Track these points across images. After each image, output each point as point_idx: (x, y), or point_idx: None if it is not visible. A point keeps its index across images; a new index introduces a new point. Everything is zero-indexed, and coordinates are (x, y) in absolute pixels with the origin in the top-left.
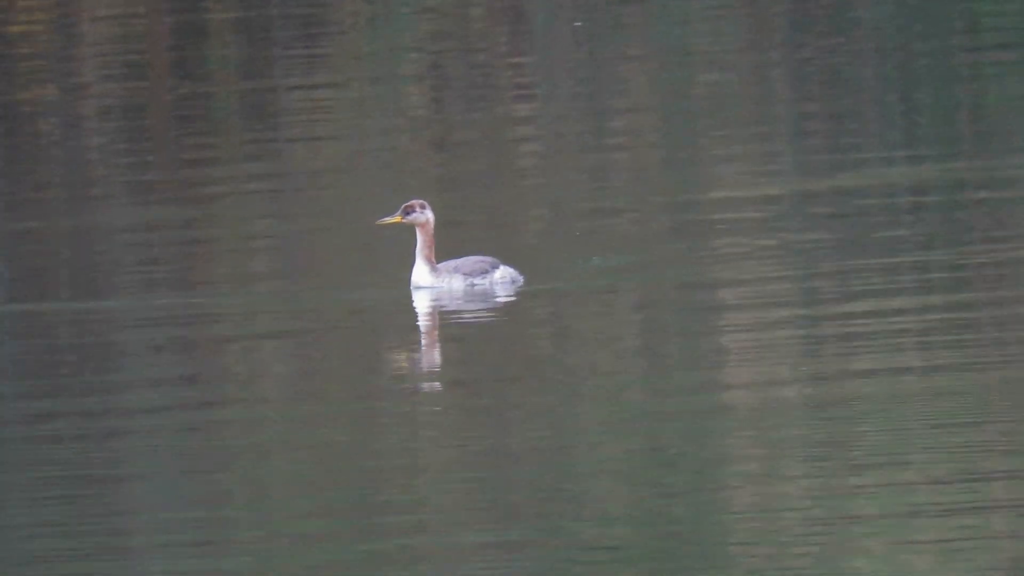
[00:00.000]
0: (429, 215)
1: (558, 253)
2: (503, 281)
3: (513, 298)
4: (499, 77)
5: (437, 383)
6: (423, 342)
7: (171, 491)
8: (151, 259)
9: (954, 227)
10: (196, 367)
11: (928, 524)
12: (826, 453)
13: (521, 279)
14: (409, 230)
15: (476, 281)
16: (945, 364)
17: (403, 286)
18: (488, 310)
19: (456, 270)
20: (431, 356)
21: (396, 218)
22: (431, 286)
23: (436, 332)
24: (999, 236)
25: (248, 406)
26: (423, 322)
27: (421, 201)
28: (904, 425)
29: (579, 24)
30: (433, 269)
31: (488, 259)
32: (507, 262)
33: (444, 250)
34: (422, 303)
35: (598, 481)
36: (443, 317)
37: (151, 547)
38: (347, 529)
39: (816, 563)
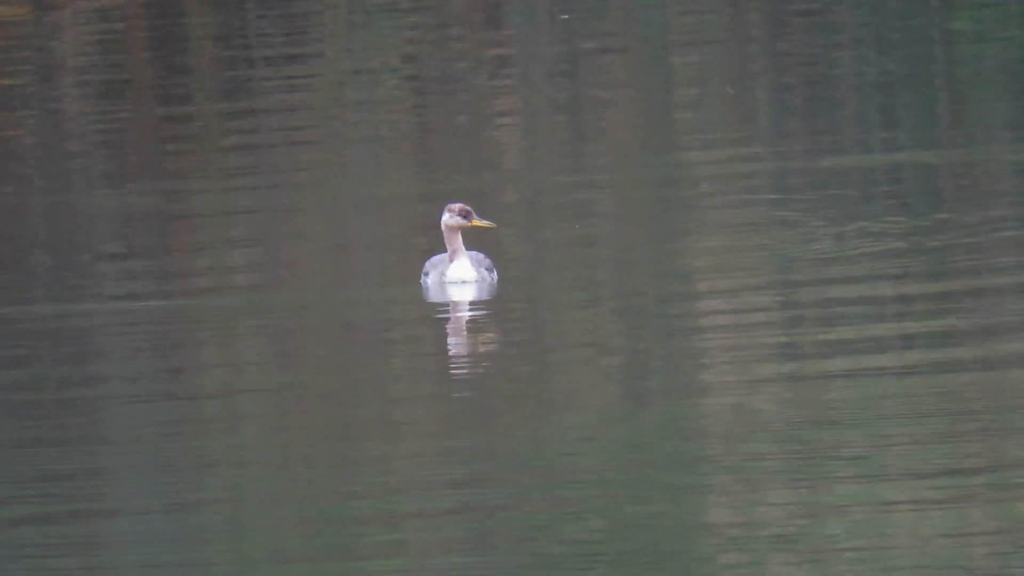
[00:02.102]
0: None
1: (542, 246)
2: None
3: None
4: (478, 67)
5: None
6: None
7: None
8: (129, 251)
9: (932, 213)
10: (178, 363)
11: (906, 521)
12: (805, 451)
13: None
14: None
15: (493, 276)
16: (924, 350)
17: (398, 283)
18: (495, 304)
19: (479, 264)
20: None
21: (477, 222)
22: (474, 280)
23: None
24: (976, 222)
25: (225, 408)
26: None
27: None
28: (882, 421)
29: (566, 17)
30: (472, 264)
31: (481, 254)
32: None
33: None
34: (462, 295)
35: (577, 483)
36: (486, 310)
37: (126, 542)
38: (322, 530)
39: (794, 567)
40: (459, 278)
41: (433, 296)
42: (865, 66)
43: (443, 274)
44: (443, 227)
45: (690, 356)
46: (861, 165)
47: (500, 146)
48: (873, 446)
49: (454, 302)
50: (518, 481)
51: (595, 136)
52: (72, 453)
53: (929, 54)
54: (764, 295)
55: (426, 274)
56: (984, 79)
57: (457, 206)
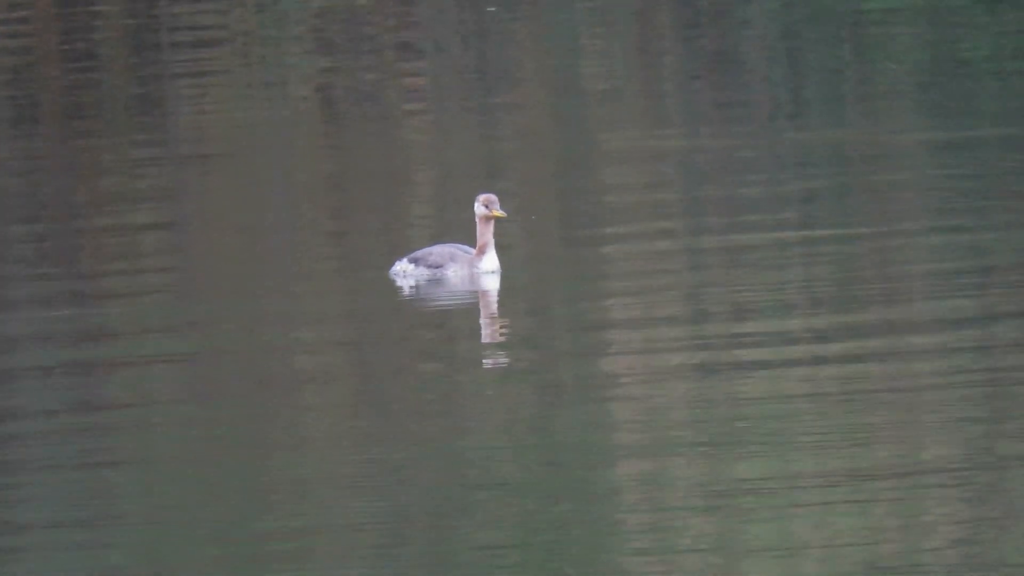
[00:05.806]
0: None
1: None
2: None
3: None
4: (387, 57)
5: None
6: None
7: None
8: (40, 256)
9: (841, 201)
10: (91, 386)
11: (813, 520)
12: (715, 442)
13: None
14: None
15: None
16: (833, 339)
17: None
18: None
19: (450, 258)
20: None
21: (496, 213)
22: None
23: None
24: (882, 210)
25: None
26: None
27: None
28: (791, 414)
29: (492, 9)
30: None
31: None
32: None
33: (394, 238)
34: (493, 284)
35: (491, 487)
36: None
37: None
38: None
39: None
40: (494, 268)
41: (460, 287)
42: (773, 52)
43: (475, 265)
44: (477, 218)
45: (605, 374)
46: (772, 150)
47: (411, 145)
48: (784, 444)
49: (484, 292)
50: (431, 482)
51: (503, 125)
52: None
53: (840, 39)
54: (675, 291)
55: (439, 267)
56: (895, 61)
57: (484, 196)
